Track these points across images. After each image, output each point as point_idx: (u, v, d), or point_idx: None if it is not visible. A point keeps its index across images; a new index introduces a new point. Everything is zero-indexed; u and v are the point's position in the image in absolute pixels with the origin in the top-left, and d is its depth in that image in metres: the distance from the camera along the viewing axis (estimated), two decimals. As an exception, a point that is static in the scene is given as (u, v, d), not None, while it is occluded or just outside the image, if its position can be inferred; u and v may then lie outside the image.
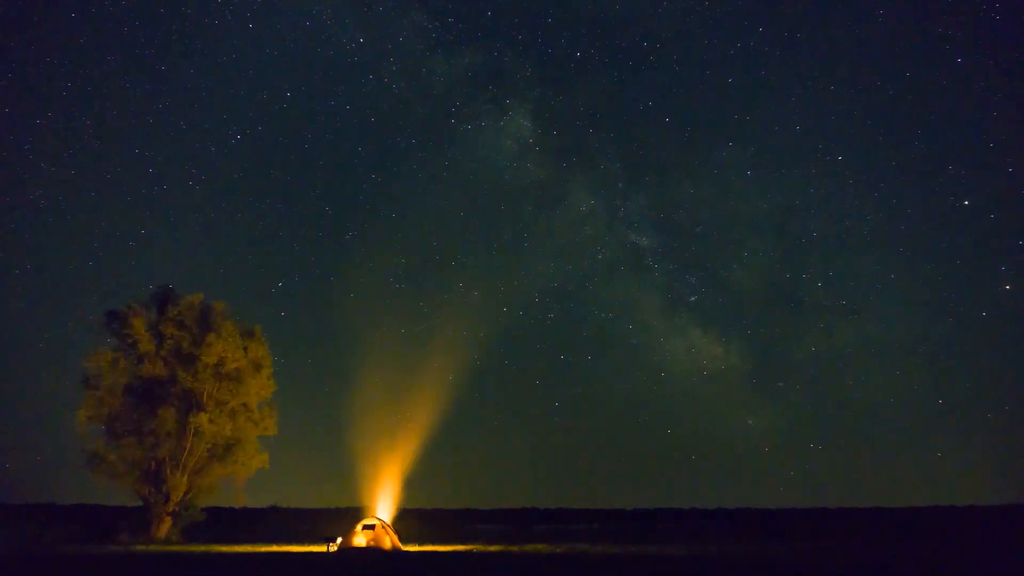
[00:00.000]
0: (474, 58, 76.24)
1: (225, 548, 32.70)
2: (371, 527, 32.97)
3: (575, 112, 77.44)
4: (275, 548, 33.36)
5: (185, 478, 39.53)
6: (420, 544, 37.10)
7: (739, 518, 70.32)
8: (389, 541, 32.67)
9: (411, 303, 71.14)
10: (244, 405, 41.24)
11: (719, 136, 77.46)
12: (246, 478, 41.25)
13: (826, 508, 77.74)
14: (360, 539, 32.63)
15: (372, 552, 31.01)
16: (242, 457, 41.13)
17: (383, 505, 37.96)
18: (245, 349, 41.53)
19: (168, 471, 39.06)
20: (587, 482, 73.38)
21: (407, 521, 44.64)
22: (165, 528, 39.36)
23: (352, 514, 41.92)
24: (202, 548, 32.32)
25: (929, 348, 71.71)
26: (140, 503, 39.81)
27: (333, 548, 32.25)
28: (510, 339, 76.05)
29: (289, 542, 38.30)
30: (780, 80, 75.51)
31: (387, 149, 76.83)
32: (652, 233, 76.61)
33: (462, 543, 37.75)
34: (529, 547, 34.28)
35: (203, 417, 39.05)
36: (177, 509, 39.72)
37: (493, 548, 33.79)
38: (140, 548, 31.91)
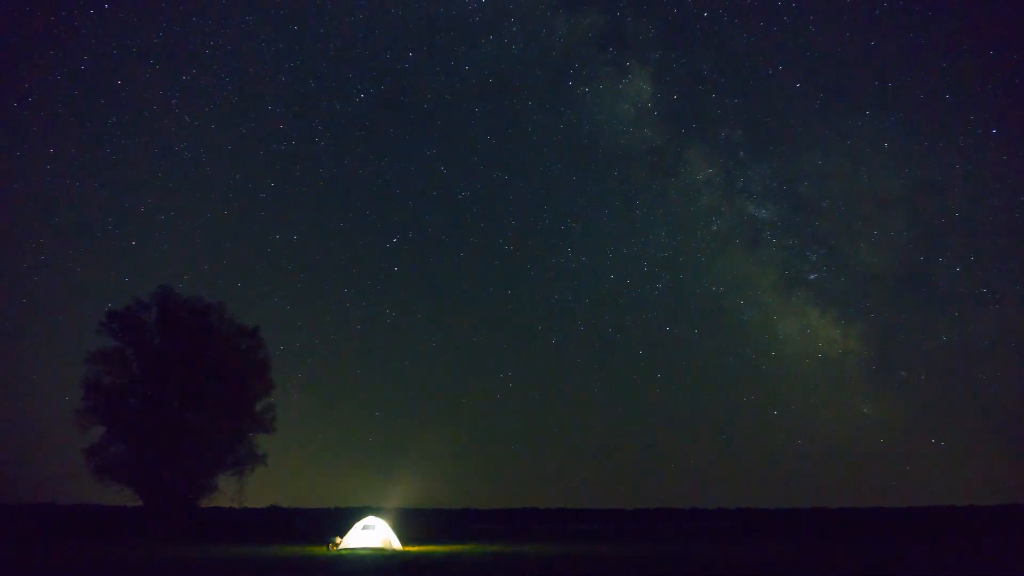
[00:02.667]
0: (596, 18, 73.49)
1: (225, 548, 32.67)
2: (371, 527, 32.97)
3: (698, 76, 73.24)
4: (275, 548, 33.33)
5: (185, 478, 39.52)
6: (420, 544, 37.08)
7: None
8: (389, 541, 32.66)
9: (518, 266, 71.66)
10: (244, 405, 41.24)
11: (855, 104, 70.09)
12: (246, 478, 41.28)
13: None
14: (360, 539, 32.62)
15: (372, 552, 31.00)
16: (242, 457, 41.15)
17: (385, 505, 38.01)
18: (245, 349, 41.54)
19: (168, 471, 39.03)
20: (682, 464, 70.11)
21: (411, 520, 44.64)
22: (165, 528, 39.34)
23: (352, 514, 41.89)
24: (202, 548, 32.29)
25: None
26: (140, 503, 39.80)
27: (333, 548, 32.24)
28: (615, 307, 74.29)
29: (289, 542, 38.26)
30: (929, 44, 68.10)
31: (503, 111, 75.79)
32: (772, 206, 72.58)
33: (463, 543, 37.74)
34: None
35: (203, 417, 39.04)
36: (177, 509, 39.73)
37: (492, 548, 33.76)
38: (140, 548, 31.88)
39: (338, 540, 32.89)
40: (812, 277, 70.22)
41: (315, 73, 72.79)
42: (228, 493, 41.46)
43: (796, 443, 66.80)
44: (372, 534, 32.66)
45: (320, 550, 32.11)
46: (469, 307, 77.51)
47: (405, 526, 39.48)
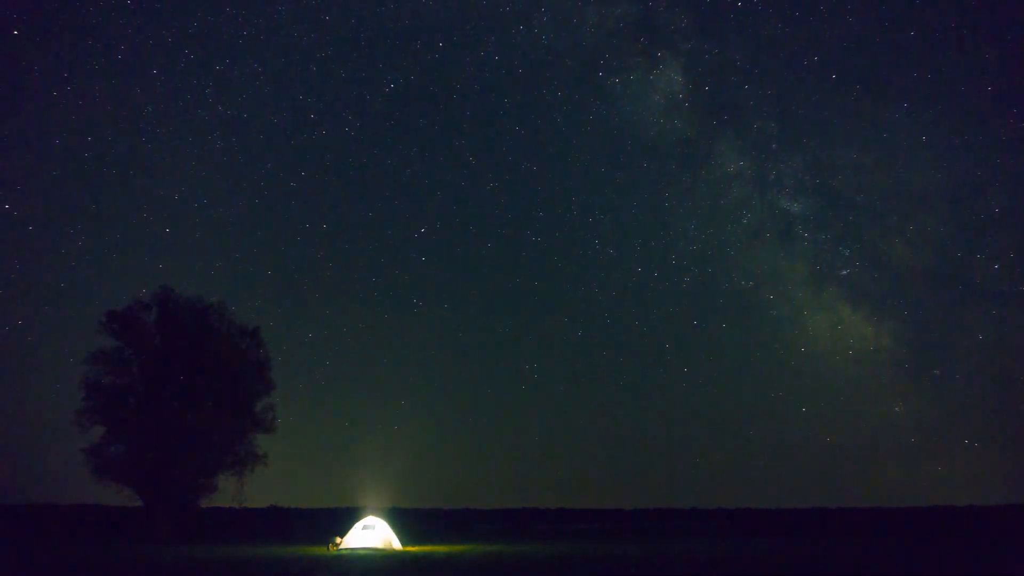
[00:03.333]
0: (627, 8, 72.89)
1: (225, 548, 32.66)
2: (371, 527, 32.94)
3: (731, 66, 72.69)
4: (275, 548, 33.31)
5: (185, 478, 39.51)
6: (419, 544, 37.06)
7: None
8: (389, 541, 32.64)
9: (545, 258, 71.69)
10: (244, 405, 41.24)
11: (893, 96, 68.19)
12: (246, 478, 41.28)
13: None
14: (360, 539, 32.60)
15: (372, 552, 30.98)
16: (242, 457, 41.14)
17: (383, 505, 37.97)
18: (245, 349, 41.53)
19: (168, 471, 39.02)
20: (707, 460, 69.78)
21: (408, 520, 44.62)
22: (165, 528, 39.33)
23: (352, 514, 41.87)
24: (202, 548, 32.27)
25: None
26: (140, 503, 39.79)
27: (333, 548, 32.22)
28: (642, 300, 74.18)
29: (289, 542, 38.24)
30: (971, 35, 65.21)
31: (533, 101, 75.59)
32: (805, 199, 71.72)
33: (463, 543, 37.72)
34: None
35: (203, 417, 39.04)
36: (177, 509, 39.72)
37: (493, 548, 33.74)
38: (140, 548, 31.87)
39: (338, 540, 32.88)
40: (844, 273, 69.13)
41: (345, 63, 73.15)
42: (228, 493, 41.52)
43: (824, 441, 66.05)
44: (372, 534, 32.64)
45: (320, 550, 32.10)
46: (495, 298, 77.75)
47: (408, 526, 39.46)
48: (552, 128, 75.22)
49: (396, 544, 32.71)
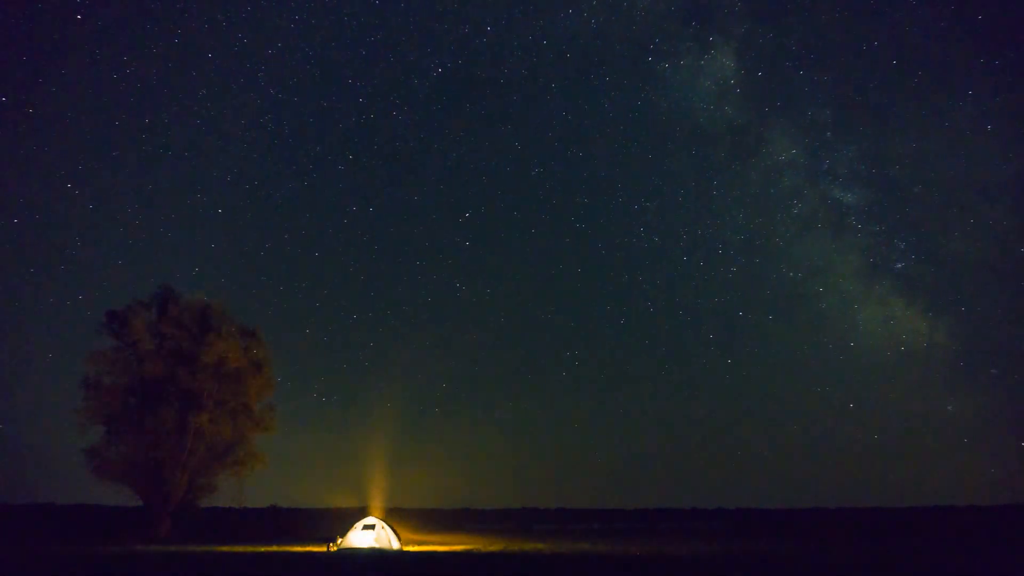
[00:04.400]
0: None
1: (225, 548, 32.65)
2: (371, 527, 32.94)
3: (785, 51, 70.25)
4: (275, 548, 33.32)
5: (185, 478, 39.52)
6: (420, 544, 37.07)
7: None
8: (389, 541, 32.64)
9: (590, 245, 71.05)
10: (244, 405, 41.26)
11: (957, 83, 65.34)
12: (246, 478, 41.30)
13: None
14: (360, 539, 32.60)
15: (372, 552, 30.98)
16: (242, 457, 41.16)
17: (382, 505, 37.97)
18: (245, 349, 41.55)
19: (168, 471, 39.04)
20: (749, 455, 67.86)
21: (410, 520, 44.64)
22: (165, 528, 39.34)
23: (352, 514, 41.88)
24: (202, 548, 32.27)
25: None
26: (140, 503, 39.80)
27: (333, 548, 32.21)
28: (687, 289, 72.75)
29: (289, 542, 38.25)
30: None
31: (580, 86, 74.76)
32: (860, 189, 68.79)
33: (463, 542, 37.71)
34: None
35: (203, 417, 39.07)
36: (177, 509, 39.71)
37: (494, 547, 33.74)
38: (140, 548, 31.87)
39: (338, 540, 32.89)
40: (899, 266, 67.23)
41: (394, 47, 73.20)
42: (228, 493, 41.55)
43: (872, 438, 64.44)
44: (372, 534, 32.65)
45: (320, 549, 32.10)
46: (538, 284, 77.58)
47: (414, 525, 39.47)
48: (599, 114, 74.23)
49: (396, 544, 32.71)
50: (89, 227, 66.56)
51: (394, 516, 38.36)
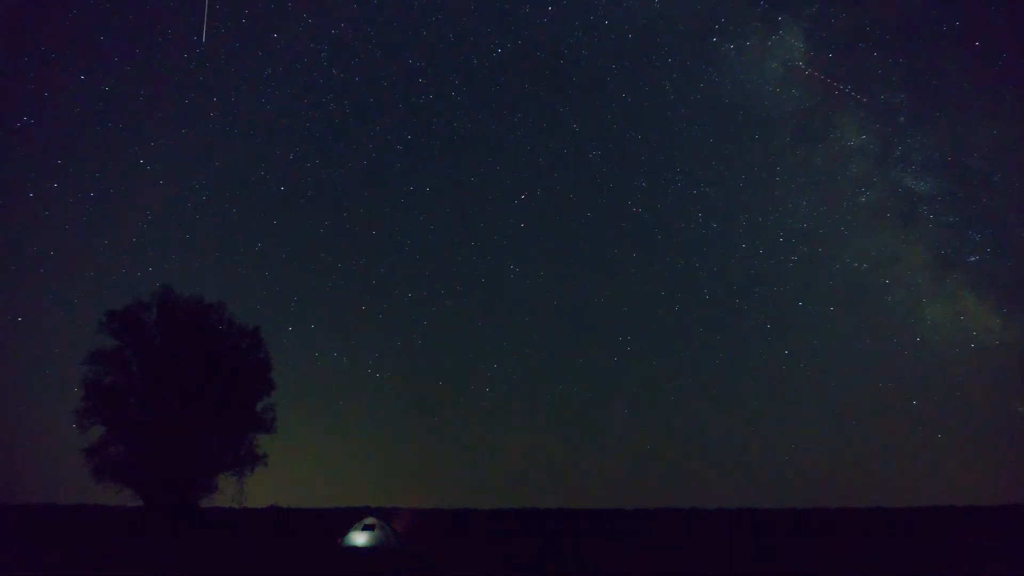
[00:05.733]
0: None
1: (224, 548, 32.66)
2: (371, 527, 32.98)
3: (859, 32, 66.14)
4: (274, 548, 33.32)
5: (185, 478, 39.50)
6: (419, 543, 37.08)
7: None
8: (389, 540, 32.68)
9: (646, 229, 70.98)
10: (244, 405, 41.24)
11: None
12: (246, 478, 41.28)
13: None
14: (360, 538, 32.64)
15: (373, 551, 31.00)
16: (242, 457, 41.15)
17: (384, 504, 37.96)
18: (245, 349, 41.54)
19: (168, 471, 39.00)
20: (804, 451, 65.57)
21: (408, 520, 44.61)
22: (165, 528, 39.33)
23: (352, 514, 41.90)
24: (202, 548, 32.28)
25: None
26: (140, 503, 39.80)
27: (335, 547, 32.25)
28: (745, 277, 69.50)
29: (289, 542, 38.24)
30: None
31: (641, 68, 71.77)
32: (933, 178, 64.72)
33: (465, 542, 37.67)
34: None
35: (203, 417, 39.04)
36: (177, 509, 39.69)
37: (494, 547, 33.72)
38: (140, 548, 31.87)
39: (338, 540, 32.92)
40: (973, 259, 63.22)
41: (455, 26, 72.87)
42: (228, 493, 41.49)
43: (936, 438, 62.15)
44: (372, 534, 32.68)
45: (319, 549, 32.13)
46: (592, 268, 77.45)
47: (418, 524, 39.46)
48: (660, 96, 71.59)
49: (396, 544, 32.75)
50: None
51: (394, 516, 38.37)
